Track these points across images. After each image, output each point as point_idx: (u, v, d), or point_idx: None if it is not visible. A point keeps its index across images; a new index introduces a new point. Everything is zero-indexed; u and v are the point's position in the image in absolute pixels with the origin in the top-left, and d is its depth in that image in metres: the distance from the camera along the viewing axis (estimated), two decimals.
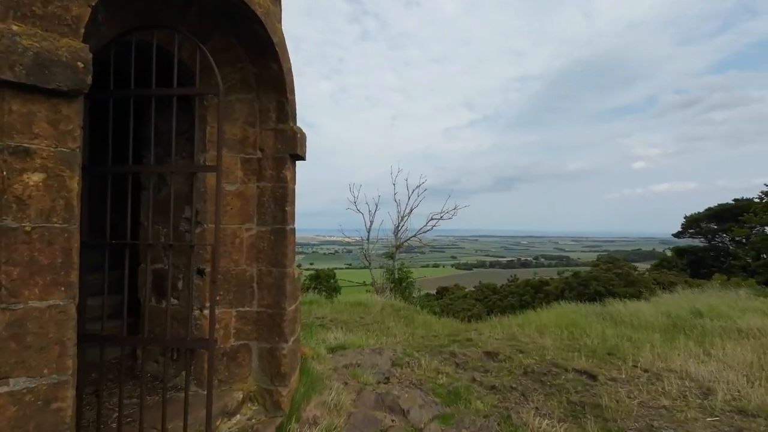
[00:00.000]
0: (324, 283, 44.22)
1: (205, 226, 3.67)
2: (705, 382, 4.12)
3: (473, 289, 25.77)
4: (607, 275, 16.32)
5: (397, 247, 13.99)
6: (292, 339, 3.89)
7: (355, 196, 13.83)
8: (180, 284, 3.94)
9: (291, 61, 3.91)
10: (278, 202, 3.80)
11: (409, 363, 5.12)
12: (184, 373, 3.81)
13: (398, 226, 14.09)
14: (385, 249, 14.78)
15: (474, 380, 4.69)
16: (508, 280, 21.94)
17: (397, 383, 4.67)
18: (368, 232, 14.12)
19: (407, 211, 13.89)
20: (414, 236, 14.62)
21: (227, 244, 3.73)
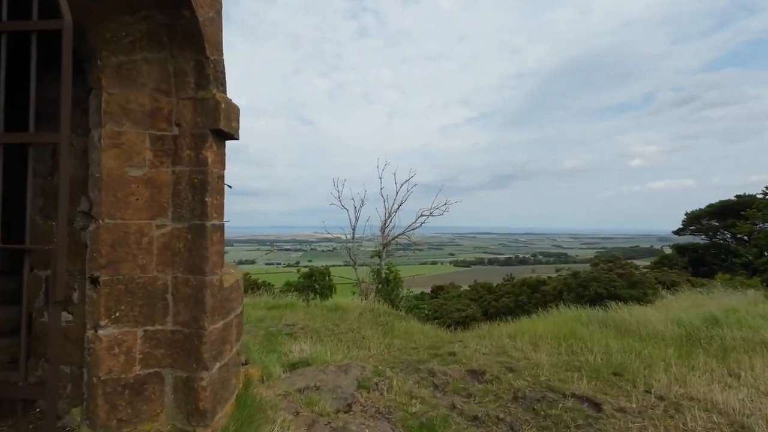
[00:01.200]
0: (319, 281, 43.64)
1: (100, 221, 2.84)
2: (737, 415, 3.33)
3: (467, 288, 24.90)
4: (609, 276, 15.39)
5: (385, 245, 13.17)
6: (217, 365, 3.06)
7: (339, 191, 13.01)
8: (76, 296, 3.11)
9: (221, 6, 3.09)
10: (196, 191, 2.97)
11: (378, 385, 4.31)
12: (79, 408, 3.01)
13: (385, 223, 13.27)
14: (374, 247, 13.97)
15: (453, 407, 3.88)
16: (504, 279, 21.11)
17: (360, 412, 3.87)
18: (353, 229, 13.29)
19: (395, 207, 13.09)
20: (402, 233, 13.79)
21: (130, 245, 2.91)
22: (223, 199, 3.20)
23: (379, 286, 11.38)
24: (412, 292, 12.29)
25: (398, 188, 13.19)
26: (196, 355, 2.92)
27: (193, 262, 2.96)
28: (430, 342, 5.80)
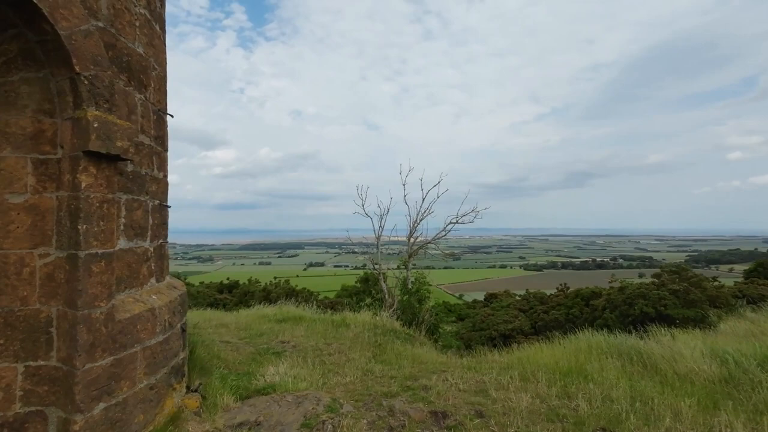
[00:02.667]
0: (373, 286, 43.62)
1: None
2: None
3: (518, 298, 23.15)
4: (659, 292, 13.22)
5: (410, 254, 12.56)
6: (102, 406, 2.82)
7: (363, 199, 12.63)
8: None
9: (88, 18, 2.86)
10: (72, 218, 2.75)
11: (324, 424, 3.87)
12: None
13: (412, 231, 12.67)
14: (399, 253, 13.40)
15: None
16: (557, 288, 19.32)
17: None
18: (378, 238, 12.83)
19: (422, 213, 12.40)
20: (430, 242, 13.07)
21: (9, 276, 2.76)
22: (112, 224, 2.96)
23: (405, 297, 10.83)
24: (437, 310, 11.50)
25: (424, 195, 12.55)
26: (70, 395, 2.70)
27: (70, 295, 2.75)
28: (412, 371, 5.21)
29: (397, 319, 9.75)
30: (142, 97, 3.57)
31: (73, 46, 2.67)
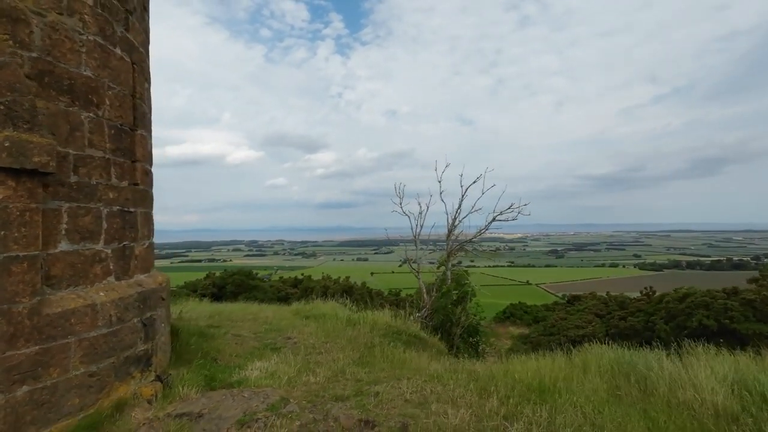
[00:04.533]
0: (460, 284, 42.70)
1: None
2: None
3: (595, 301, 20.66)
4: (725, 302, 10.53)
5: (449, 254, 12.04)
6: (22, 390, 3.22)
7: (401, 196, 12.38)
8: None
9: (4, 51, 3.26)
10: None
11: (258, 422, 3.95)
12: None
13: (451, 229, 12.10)
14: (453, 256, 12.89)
15: None
16: (641, 291, 16.88)
17: None
18: (416, 236, 12.49)
19: (459, 211, 11.75)
20: (471, 240, 12.37)
21: None
22: (37, 230, 3.34)
23: (440, 299, 10.45)
24: (478, 311, 10.83)
25: (463, 192, 11.92)
26: None
27: None
28: (380, 376, 5.03)
29: (429, 321, 9.48)
30: (91, 115, 3.99)
31: None
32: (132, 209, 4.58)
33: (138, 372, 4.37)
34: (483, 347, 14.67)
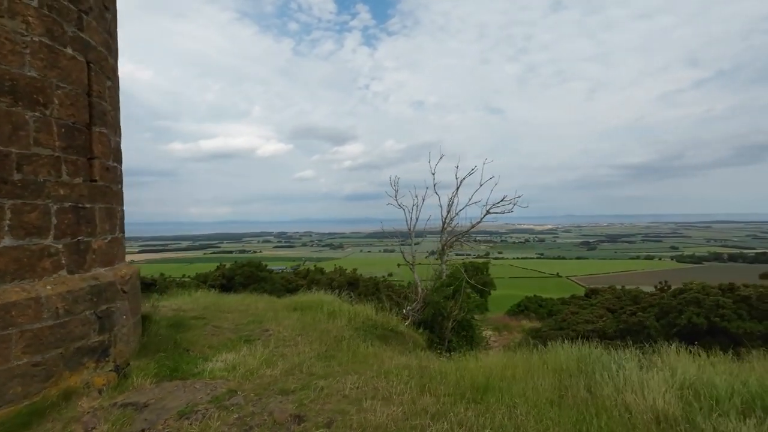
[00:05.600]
0: (473, 276, 42.16)
1: None
2: None
3: (609, 296, 19.86)
4: (718, 299, 9.69)
5: (444, 246, 11.83)
6: None
7: (396, 189, 12.20)
8: None
9: None
10: None
11: (197, 414, 4.02)
12: None
13: (445, 222, 11.85)
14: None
15: None
16: (656, 286, 16.09)
17: None
18: (411, 230, 12.30)
19: (455, 204, 11.46)
20: (466, 232, 12.07)
21: None
22: None
23: (432, 293, 10.31)
24: (471, 306, 10.62)
25: (458, 183, 11.63)
26: None
27: None
28: (334, 370, 5.03)
29: (419, 314, 9.42)
30: (37, 114, 4.11)
31: None
32: (88, 205, 4.72)
33: (92, 362, 4.53)
34: (486, 341, 14.49)
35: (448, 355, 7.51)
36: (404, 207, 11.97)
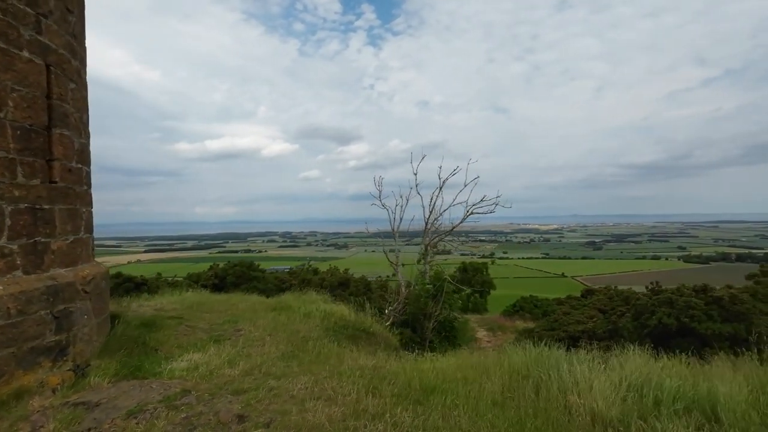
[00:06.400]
0: (474, 275, 41.91)
1: None
2: None
3: (601, 296, 19.71)
4: (690, 300, 9.51)
5: (427, 246, 11.80)
6: None
7: (379, 189, 12.18)
8: None
9: None
10: None
11: (145, 413, 4.06)
12: None
13: (428, 222, 11.81)
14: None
15: None
16: (647, 287, 15.97)
17: None
18: (395, 230, 12.27)
19: (437, 205, 11.42)
20: (448, 233, 12.05)
21: None
22: None
23: (414, 293, 10.29)
24: (454, 305, 10.58)
25: (441, 183, 11.59)
26: None
27: None
28: (291, 371, 5.06)
29: (401, 314, 9.42)
30: None
31: None
32: (46, 206, 4.77)
33: (48, 361, 4.58)
34: (476, 340, 14.43)
35: (430, 355, 7.51)
36: (388, 207, 11.98)
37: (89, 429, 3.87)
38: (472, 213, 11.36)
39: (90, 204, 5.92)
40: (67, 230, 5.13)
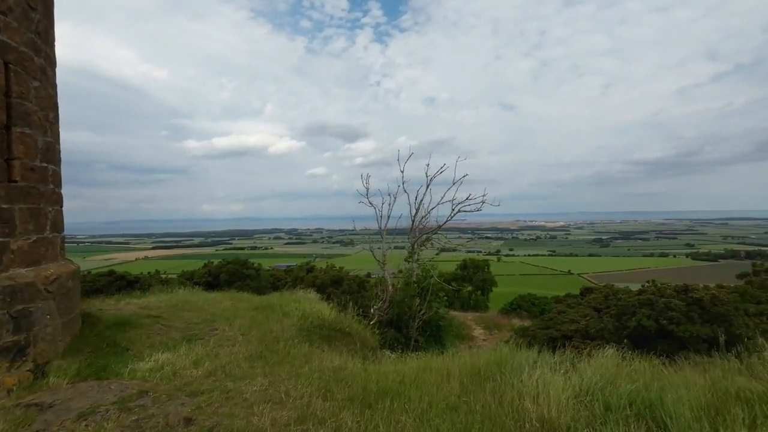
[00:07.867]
0: (474, 273, 41.66)
1: None
2: None
3: (596, 295, 19.46)
4: (670, 301, 9.23)
5: (414, 245, 11.68)
6: None
7: (367, 187, 12.07)
8: None
9: None
10: None
11: (96, 415, 4.02)
12: None
13: (414, 220, 11.70)
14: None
15: None
16: (643, 285, 15.74)
17: None
18: (382, 228, 12.16)
19: (428, 202, 11.28)
20: (435, 231, 11.91)
21: None
22: None
23: (400, 293, 10.17)
24: (440, 305, 10.43)
25: (428, 181, 11.46)
26: None
27: None
28: (255, 372, 5.01)
29: (386, 313, 9.33)
30: None
31: None
32: (5, 205, 4.73)
33: (6, 362, 4.55)
34: (472, 340, 14.30)
35: (412, 355, 7.42)
36: (375, 206, 11.89)
37: (38, 431, 3.84)
38: (459, 211, 11.26)
39: (58, 203, 5.88)
40: (29, 230, 5.09)
